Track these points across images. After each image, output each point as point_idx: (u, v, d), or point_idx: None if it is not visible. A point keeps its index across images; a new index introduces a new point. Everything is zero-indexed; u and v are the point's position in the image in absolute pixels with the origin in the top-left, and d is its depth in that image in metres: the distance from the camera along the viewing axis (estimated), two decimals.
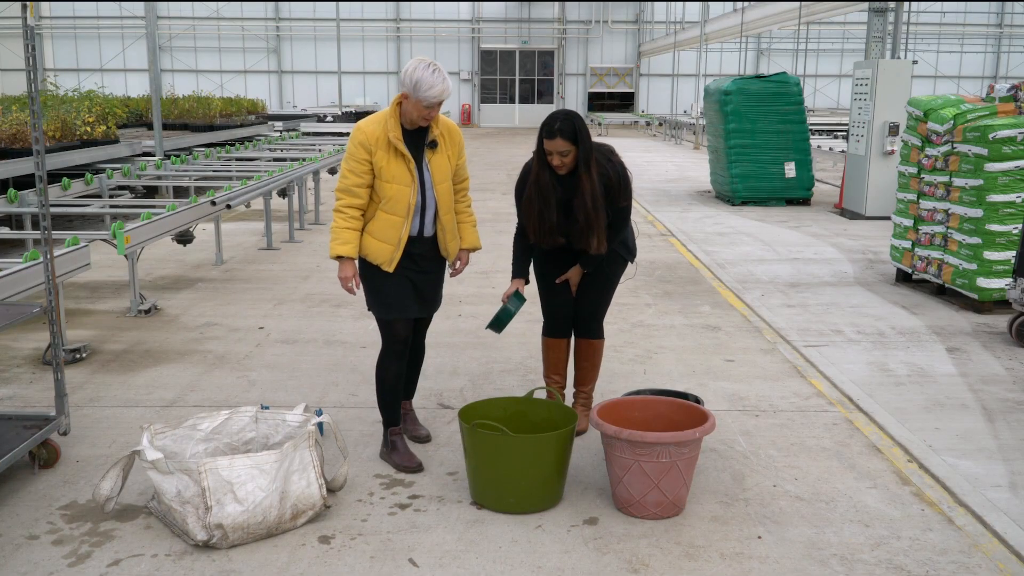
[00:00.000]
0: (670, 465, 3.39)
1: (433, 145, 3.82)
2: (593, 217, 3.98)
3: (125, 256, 6.25)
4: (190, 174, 11.13)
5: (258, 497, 3.25)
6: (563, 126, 3.87)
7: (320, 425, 3.97)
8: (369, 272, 3.89)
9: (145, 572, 3.10)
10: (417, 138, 3.81)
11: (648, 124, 33.72)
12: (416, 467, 3.92)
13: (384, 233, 3.79)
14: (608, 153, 4.09)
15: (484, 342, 5.89)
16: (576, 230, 4.02)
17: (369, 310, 3.98)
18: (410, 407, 4.32)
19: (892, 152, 10.93)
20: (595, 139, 4.04)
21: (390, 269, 3.82)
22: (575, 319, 4.37)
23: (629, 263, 4.41)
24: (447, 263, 4.06)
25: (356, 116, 21.68)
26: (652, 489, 3.42)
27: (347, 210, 3.78)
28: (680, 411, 3.72)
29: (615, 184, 4.05)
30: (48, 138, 11.38)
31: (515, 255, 4.25)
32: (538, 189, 4.01)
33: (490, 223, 10.86)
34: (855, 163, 11.47)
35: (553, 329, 4.39)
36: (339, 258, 3.81)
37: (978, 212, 6.64)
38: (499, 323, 4.10)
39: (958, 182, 6.88)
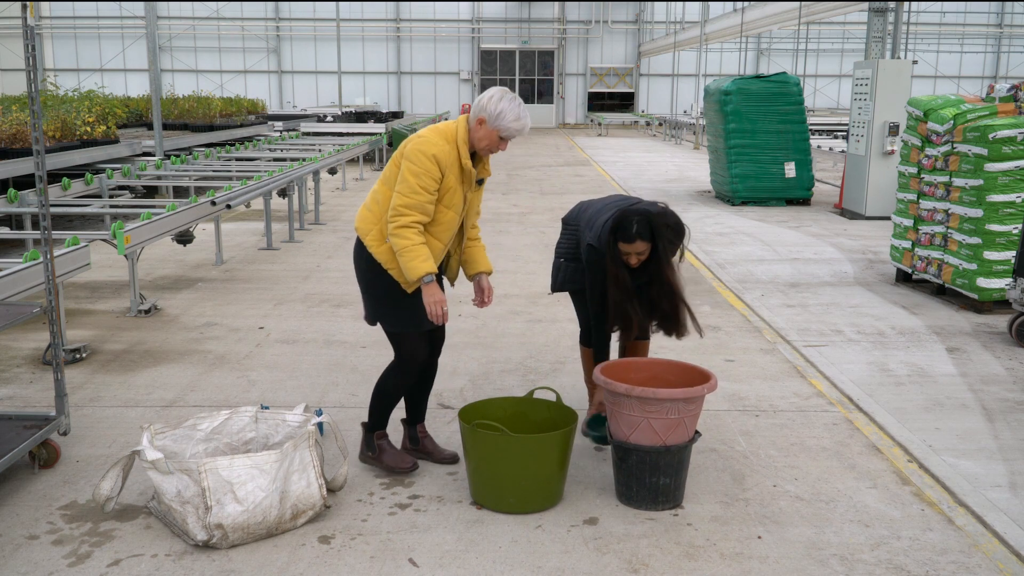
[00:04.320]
0: (678, 421, 3.49)
1: (480, 182, 3.78)
2: (680, 306, 3.96)
3: (125, 256, 6.25)
4: (190, 174, 11.12)
5: (258, 497, 3.25)
6: (640, 228, 3.81)
7: (320, 425, 3.98)
8: (388, 287, 3.65)
9: (145, 572, 3.10)
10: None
11: (648, 124, 33.70)
12: (412, 467, 3.88)
13: None
14: (668, 217, 4.00)
15: (484, 342, 5.89)
16: (660, 319, 4.03)
17: (379, 323, 3.77)
18: (426, 431, 4.06)
19: (892, 152, 10.93)
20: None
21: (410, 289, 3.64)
22: (643, 325, 4.20)
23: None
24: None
25: (356, 116, 21.60)
26: (659, 444, 3.51)
27: (417, 226, 3.51)
28: (674, 372, 3.84)
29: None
30: (48, 138, 11.37)
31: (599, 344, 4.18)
32: (619, 289, 3.90)
33: (491, 223, 10.87)
34: (855, 163, 11.47)
35: (601, 343, 4.21)
36: (422, 278, 3.51)
37: (978, 212, 6.65)
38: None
39: (958, 182, 6.88)
